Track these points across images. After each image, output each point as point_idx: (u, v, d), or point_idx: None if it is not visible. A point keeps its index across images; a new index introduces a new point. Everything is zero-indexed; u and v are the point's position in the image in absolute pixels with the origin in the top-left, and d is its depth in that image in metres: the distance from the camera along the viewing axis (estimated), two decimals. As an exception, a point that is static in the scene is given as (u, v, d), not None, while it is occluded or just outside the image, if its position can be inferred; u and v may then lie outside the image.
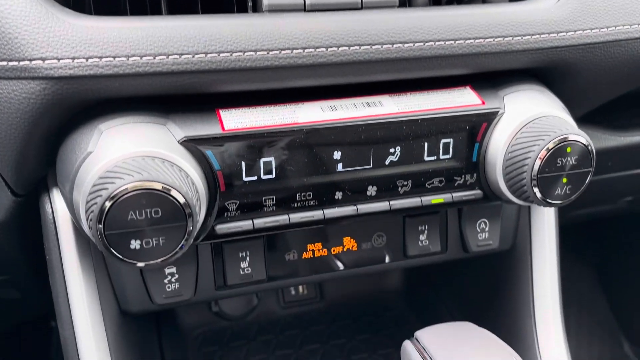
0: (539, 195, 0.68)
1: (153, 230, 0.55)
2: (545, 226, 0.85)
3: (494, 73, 0.73)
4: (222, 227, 0.65)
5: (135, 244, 0.56)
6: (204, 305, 1.01)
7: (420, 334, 0.67)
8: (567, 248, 2.29)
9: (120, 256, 0.55)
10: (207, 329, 1.00)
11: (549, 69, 0.75)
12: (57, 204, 0.66)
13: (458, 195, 0.72)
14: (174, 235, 0.56)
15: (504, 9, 0.70)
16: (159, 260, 0.57)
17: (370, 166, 0.68)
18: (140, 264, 0.56)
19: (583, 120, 0.91)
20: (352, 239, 0.79)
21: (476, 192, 0.73)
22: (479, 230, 0.83)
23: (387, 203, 0.70)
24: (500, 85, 0.74)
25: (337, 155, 0.66)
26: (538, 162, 0.66)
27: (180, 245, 0.57)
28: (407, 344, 0.67)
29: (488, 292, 0.92)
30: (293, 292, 1.06)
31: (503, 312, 0.89)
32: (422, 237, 0.81)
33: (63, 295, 0.67)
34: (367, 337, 1.02)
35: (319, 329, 1.03)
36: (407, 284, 1.10)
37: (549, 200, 0.69)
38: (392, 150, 0.68)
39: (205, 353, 0.97)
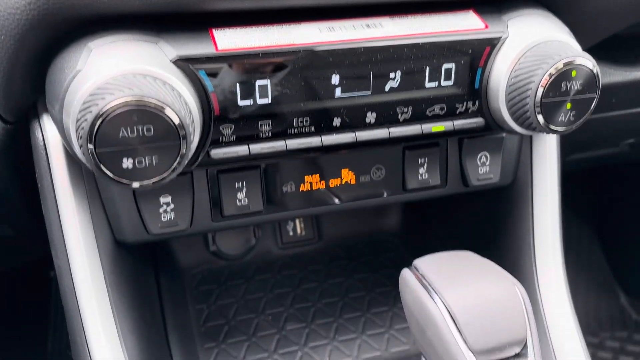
0: (542, 121, 0.66)
1: (145, 149, 0.54)
2: (547, 161, 0.84)
3: (498, -3, 0.71)
4: (218, 152, 0.63)
5: (127, 163, 0.54)
6: (202, 245, 1.01)
7: (419, 261, 0.66)
8: (566, 202, 2.30)
9: (112, 175, 0.54)
10: (204, 269, 1.00)
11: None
12: (47, 130, 0.65)
13: (459, 123, 0.71)
14: (167, 155, 0.55)
15: None
16: (152, 180, 0.55)
17: (370, 92, 0.66)
18: (135, 184, 0.55)
19: (588, 54, 0.89)
20: (350, 172, 0.77)
21: (478, 120, 0.71)
22: (479, 163, 0.81)
23: (386, 130, 0.68)
24: (504, 10, 0.71)
25: (335, 79, 0.64)
26: (542, 87, 0.64)
27: (173, 166, 0.55)
28: (406, 272, 0.66)
29: (487, 231, 0.92)
30: (291, 233, 1.06)
31: (503, 249, 0.88)
32: (421, 171, 0.79)
33: (56, 221, 0.66)
34: (365, 276, 1.02)
35: (317, 269, 1.03)
36: (406, 225, 1.10)
37: (552, 127, 0.67)
38: (392, 75, 0.66)
39: (202, 291, 0.96)
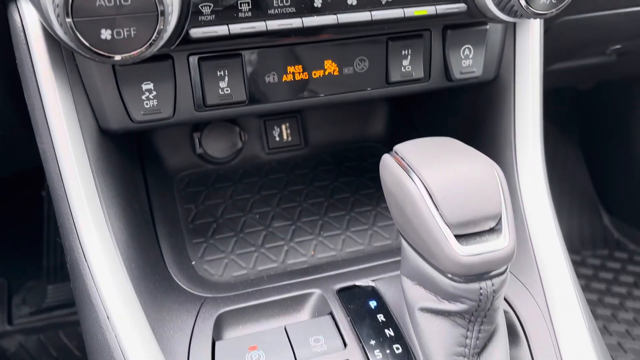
0: (523, 3, 0.66)
1: (123, 19, 0.54)
2: (529, 56, 0.84)
3: None
4: (197, 31, 0.63)
5: (105, 34, 0.54)
6: (189, 148, 1.02)
7: (399, 146, 0.68)
8: (553, 122, 2.31)
9: (92, 47, 0.54)
10: (192, 172, 1.01)
11: None
12: (25, 12, 0.64)
13: (442, 7, 0.70)
14: (145, 27, 0.55)
15: None
16: (132, 53, 0.55)
17: (352, -27, 0.65)
18: (117, 57, 0.55)
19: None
20: (333, 63, 0.77)
21: (460, 5, 0.71)
22: (462, 56, 0.82)
23: (368, 13, 0.68)
24: None
25: (315, -41, 0.63)
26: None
27: (152, 38, 0.55)
28: (386, 156, 0.67)
29: (471, 131, 0.93)
30: (277, 139, 1.06)
31: (485, 145, 0.89)
32: (405, 63, 0.79)
33: (39, 106, 0.66)
34: (350, 179, 1.03)
35: (303, 173, 1.04)
36: (391, 132, 1.11)
37: (533, 9, 0.67)
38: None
39: (190, 193, 0.98)
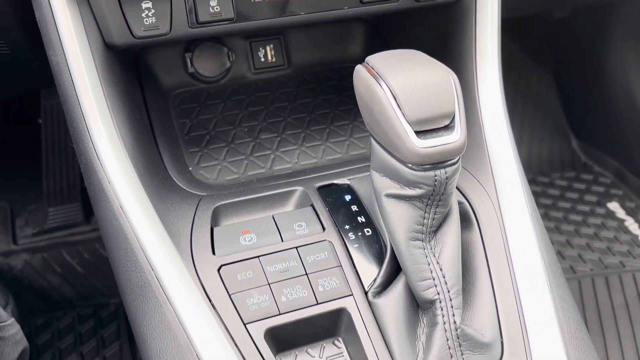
0: None
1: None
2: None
3: None
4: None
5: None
6: (181, 68, 1.10)
7: (371, 57, 0.78)
8: (528, 52, 2.40)
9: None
10: (185, 90, 1.10)
11: None
12: None
13: None
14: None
15: None
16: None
17: None
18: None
19: None
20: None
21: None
22: (429, -21, 0.90)
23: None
24: None
25: None
26: None
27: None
28: (359, 66, 0.77)
29: (438, 47, 1.02)
30: (262, 59, 1.15)
31: (450, 61, 0.99)
32: None
33: (51, 22, 0.75)
34: (330, 97, 1.13)
35: (287, 91, 1.14)
36: (368, 53, 1.19)
37: None
38: None
39: (184, 109, 1.08)
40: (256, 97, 1.12)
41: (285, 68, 1.17)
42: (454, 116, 0.72)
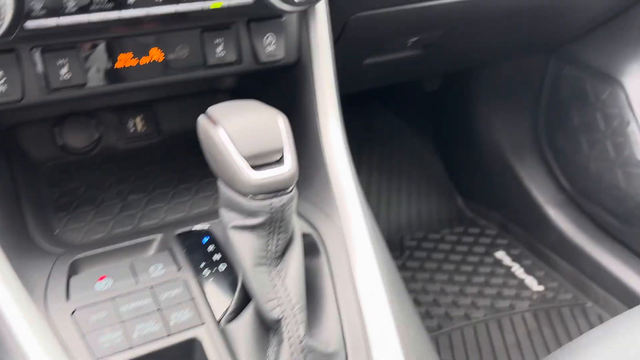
0: (294, -4, 0.89)
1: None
2: (320, 42, 1.07)
3: None
4: (30, 24, 0.79)
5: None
6: (50, 141, 1.16)
7: (211, 107, 0.87)
8: (408, 121, 2.61)
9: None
10: (55, 163, 1.15)
11: None
12: None
13: (234, 1, 0.91)
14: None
15: None
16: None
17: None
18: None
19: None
20: (159, 49, 0.96)
21: (249, -1, 0.93)
22: (266, 43, 1.03)
23: (173, 7, 0.87)
24: None
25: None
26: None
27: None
28: (200, 117, 0.86)
29: (289, 104, 1.13)
30: (132, 130, 1.23)
31: (299, 114, 1.10)
32: (219, 49, 1.00)
33: None
34: (200, 158, 1.21)
35: (157, 157, 1.21)
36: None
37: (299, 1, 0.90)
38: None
39: (54, 179, 1.12)
40: (127, 164, 1.18)
41: (156, 137, 1.25)
42: (283, 151, 0.81)
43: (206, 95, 1.30)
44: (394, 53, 1.47)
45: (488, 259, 2.28)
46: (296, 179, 0.82)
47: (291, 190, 0.82)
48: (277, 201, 0.80)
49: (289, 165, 0.81)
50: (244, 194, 0.80)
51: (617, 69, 1.95)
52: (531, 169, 2.32)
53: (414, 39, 1.41)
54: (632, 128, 1.90)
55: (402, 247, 2.31)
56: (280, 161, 0.81)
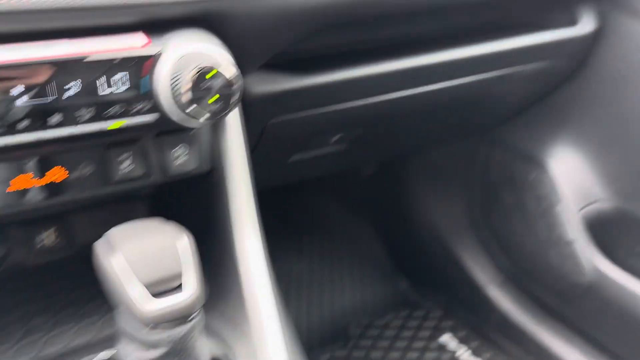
0: (194, 113, 0.88)
1: None
2: (234, 151, 1.06)
3: (165, 21, 0.92)
4: None
5: None
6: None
7: (109, 231, 0.83)
8: (347, 207, 2.61)
9: None
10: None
11: (211, 16, 0.95)
12: None
13: (136, 119, 0.90)
14: None
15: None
16: None
17: (55, 97, 0.82)
18: None
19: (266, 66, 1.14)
20: (62, 168, 0.92)
21: (153, 115, 0.91)
22: (176, 155, 1.01)
23: (69, 129, 0.85)
24: (170, 30, 0.92)
25: (19, 89, 0.80)
26: (188, 84, 0.86)
27: None
28: (96, 243, 0.82)
29: (203, 216, 1.11)
30: (42, 244, 1.17)
31: (214, 226, 1.08)
32: (125, 165, 0.97)
33: None
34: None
35: (68, 271, 1.15)
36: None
37: (203, 120, 0.89)
38: (73, 84, 0.84)
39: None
40: (35, 280, 1.12)
41: (68, 250, 1.20)
42: (182, 277, 0.78)
43: (123, 203, 1.26)
44: (319, 149, 1.48)
45: (433, 344, 2.24)
46: (199, 305, 0.78)
47: (192, 319, 0.78)
48: (177, 332, 0.76)
49: (189, 292, 0.77)
50: (143, 325, 0.75)
51: (541, 152, 2.02)
52: (471, 250, 2.33)
53: (336, 137, 1.43)
54: (560, 209, 1.95)
55: (347, 336, 2.25)
56: (179, 287, 0.78)
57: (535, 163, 2.02)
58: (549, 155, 2.00)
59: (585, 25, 1.65)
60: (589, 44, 1.71)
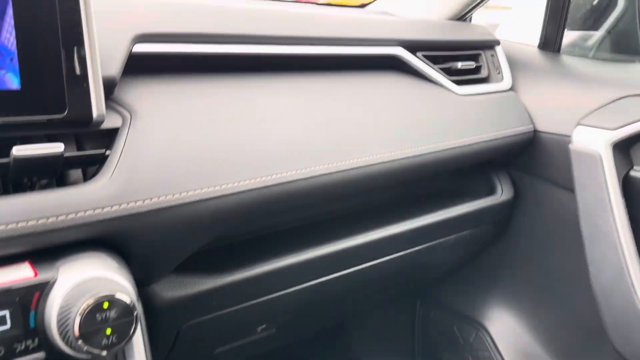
0: (84, 348, 0.79)
1: None
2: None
3: (56, 247, 0.86)
4: None
5: None
6: None
7: None
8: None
9: None
10: None
11: (111, 237, 0.89)
12: None
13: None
14: None
15: (49, 194, 0.83)
16: None
17: None
18: None
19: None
20: None
21: (39, 355, 0.81)
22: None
23: None
24: (61, 257, 0.85)
25: None
26: (78, 319, 0.78)
27: None
28: None
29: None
30: None
31: None
32: None
33: None
34: None
35: None
36: None
37: (96, 352, 0.80)
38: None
39: None
40: None
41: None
42: None
43: None
44: (246, 338, 1.39)
45: None
46: None
47: None
48: None
49: None
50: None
51: (479, 313, 1.98)
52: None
53: (262, 326, 1.35)
54: (504, 373, 1.88)
55: None
56: None
57: (474, 324, 1.98)
58: (486, 316, 1.96)
59: (505, 193, 1.71)
60: (510, 209, 1.76)
